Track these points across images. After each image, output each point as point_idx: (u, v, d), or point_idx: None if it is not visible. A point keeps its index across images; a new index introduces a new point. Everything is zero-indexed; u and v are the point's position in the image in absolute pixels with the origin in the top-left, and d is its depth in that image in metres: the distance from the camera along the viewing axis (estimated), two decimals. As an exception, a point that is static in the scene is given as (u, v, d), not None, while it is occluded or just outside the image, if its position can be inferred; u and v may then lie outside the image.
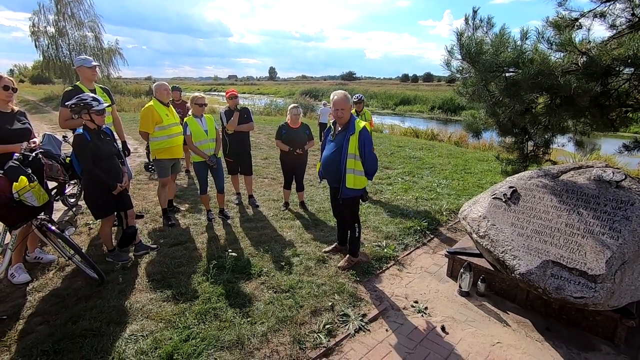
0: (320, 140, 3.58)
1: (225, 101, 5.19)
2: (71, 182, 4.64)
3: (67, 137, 5.11)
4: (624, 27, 3.43)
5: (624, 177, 2.93)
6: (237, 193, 5.54)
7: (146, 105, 4.36)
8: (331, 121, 3.67)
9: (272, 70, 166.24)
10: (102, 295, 2.98)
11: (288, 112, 5.03)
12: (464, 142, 13.06)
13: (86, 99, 3.12)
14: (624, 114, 3.63)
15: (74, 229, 3.04)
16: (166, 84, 4.55)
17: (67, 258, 3.16)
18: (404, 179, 7.06)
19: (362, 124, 3.38)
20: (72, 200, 4.92)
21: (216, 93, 58.50)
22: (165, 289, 3.09)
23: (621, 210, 2.69)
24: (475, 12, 3.61)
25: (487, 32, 3.67)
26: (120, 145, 4.29)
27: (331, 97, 3.40)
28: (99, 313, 2.74)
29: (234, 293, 3.05)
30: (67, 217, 4.74)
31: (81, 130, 3.18)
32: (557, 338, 2.75)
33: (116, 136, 4.28)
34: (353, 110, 6.00)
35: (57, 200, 4.50)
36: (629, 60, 2.75)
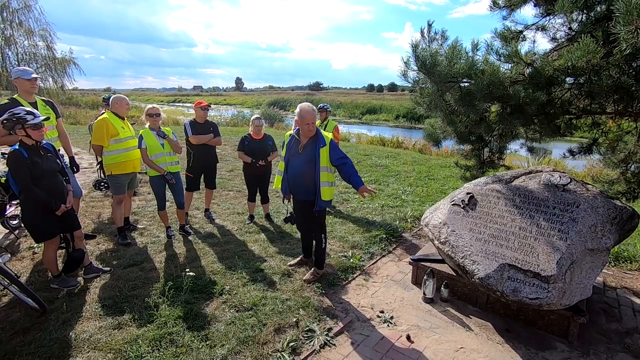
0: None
1: (193, 112, 4.97)
2: (13, 202, 4.27)
3: (6, 154, 4.71)
4: (563, 40, 3.68)
5: (569, 180, 3.11)
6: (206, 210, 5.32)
7: (100, 117, 4.13)
8: (293, 132, 3.54)
9: (238, 81, 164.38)
10: (43, 326, 2.71)
11: (251, 123, 4.98)
12: (428, 150, 13.45)
13: (19, 113, 2.87)
14: (569, 121, 3.88)
15: (9, 255, 2.76)
16: (127, 98, 4.34)
17: (2, 288, 2.85)
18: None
19: (329, 134, 3.39)
20: (15, 222, 4.51)
21: (180, 104, 56.97)
22: (117, 315, 2.87)
23: (568, 212, 2.83)
24: (430, 25, 3.72)
25: (441, 45, 3.80)
26: (67, 161, 4.01)
27: (298, 110, 3.26)
28: (38, 348, 2.48)
29: (193, 315, 2.88)
30: (8, 241, 4.34)
31: (17, 147, 2.92)
32: (516, 339, 2.83)
33: (62, 151, 4.01)
34: (318, 122, 5.95)
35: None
36: (569, 71, 2.94)
